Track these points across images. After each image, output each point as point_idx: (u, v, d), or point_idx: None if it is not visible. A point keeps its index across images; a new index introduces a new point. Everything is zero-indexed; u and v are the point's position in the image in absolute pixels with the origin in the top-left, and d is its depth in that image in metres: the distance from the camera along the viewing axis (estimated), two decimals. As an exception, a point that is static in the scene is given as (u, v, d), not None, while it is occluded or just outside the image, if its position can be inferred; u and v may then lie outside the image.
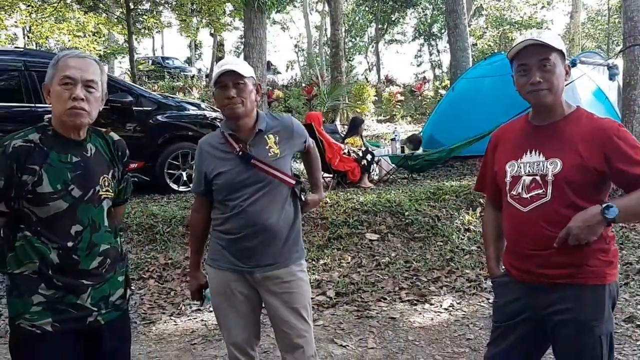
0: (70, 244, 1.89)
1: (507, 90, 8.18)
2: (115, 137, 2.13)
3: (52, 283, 1.87)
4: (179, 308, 4.47)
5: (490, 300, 4.46)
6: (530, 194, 1.96)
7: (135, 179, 6.91)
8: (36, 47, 19.94)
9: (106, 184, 2.00)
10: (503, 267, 2.17)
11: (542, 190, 1.94)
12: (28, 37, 21.27)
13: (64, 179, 1.88)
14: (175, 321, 4.27)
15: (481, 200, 6.22)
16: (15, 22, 17.87)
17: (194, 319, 4.30)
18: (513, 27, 29.20)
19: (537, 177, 1.96)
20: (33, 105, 6.35)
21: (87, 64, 1.91)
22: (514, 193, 2.01)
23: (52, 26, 16.29)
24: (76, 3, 16.64)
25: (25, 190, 1.83)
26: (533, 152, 1.99)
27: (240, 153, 2.31)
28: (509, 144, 2.09)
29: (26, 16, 16.24)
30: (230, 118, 2.35)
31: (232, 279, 2.38)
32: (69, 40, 17.22)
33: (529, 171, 1.98)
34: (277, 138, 2.40)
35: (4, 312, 4.30)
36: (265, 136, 2.38)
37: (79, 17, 16.37)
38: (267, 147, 2.36)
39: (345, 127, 10.54)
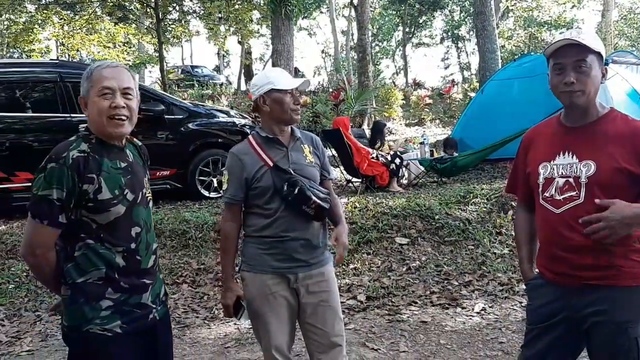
0: (133, 245, 1.96)
1: (538, 92, 8.15)
2: (139, 142, 2.19)
3: (118, 286, 1.93)
4: (212, 312, 4.54)
5: (523, 304, 4.43)
6: (563, 196, 1.96)
7: (168, 185, 7.05)
8: (68, 58, 20.46)
9: (147, 186, 2.09)
10: (536, 269, 2.16)
11: (575, 193, 1.93)
12: (60, 49, 21.84)
13: (119, 184, 1.94)
14: (208, 325, 4.33)
15: (512, 203, 6.16)
16: (48, 35, 18.38)
17: (227, 322, 4.35)
18: (542, 27, 28.80)
19: (571, 179, 1.95)
20: (68, 115, 6.52)
21: (121, 73, 1.96)
22: (547, 195, 2.01)
23: (83, 38, 16.70)
24: (106, 15, 17.02)
25: (85, 199, 1.87)
26: (566, 153, 1.98)
27: (274, 166, 2.40)
28: (542, 146, 2.08)
29: (58, 29, 16.69)
30: (288, 123, 2.49)
31: (273, 283, 2.43)
32: (100, 51, 17.63)
33: (562, 173, 1.97)
34: (310, 148, 2.54)
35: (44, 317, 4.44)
36: (302, 145, 2.52)
37: (109, 28, 16.74)
38: (304, 155, 2.50)
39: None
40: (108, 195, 1.89)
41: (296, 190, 2.34)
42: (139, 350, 2.00)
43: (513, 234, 5.72)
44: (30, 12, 16.63)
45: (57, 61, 8.46)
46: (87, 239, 1.90)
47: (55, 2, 17.38)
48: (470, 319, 4.30)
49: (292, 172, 2.39)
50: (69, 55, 21.09)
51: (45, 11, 16.00)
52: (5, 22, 18.75)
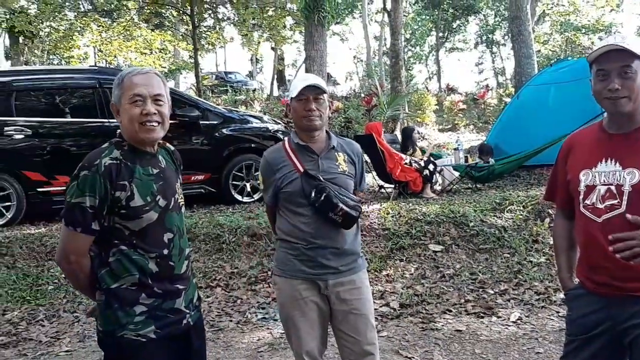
0: (165, 251, 1.97)
1: (575, 97, 8.01)
2: (172, 147, 2.21)
3: (152, 292, 1.94)
4: (245, 316, 4.57)
5: (561, 314, 4.34)
6: (604, 204, 1.91)
7: (202, 190, 7.14)
8: (105, 64, 20.94)
9: (179, 191, 2.10)
10: (576, 279, 2.11)
11: (616, 201, 1.88)
12: (98, 55, 22.37)
13: (151, 190, 1.95)
14: (242, 329, 4.36)
15: (550, 210, 6.05)
16: (87, 42, 18.86)
17: (261, 327, 4.38)
18: (579, 32, 28.22)
19: (612, 187, 1.90)
20: (106, 120, 6.67)
21: (152, 79, 1.97)
22: (588, 203, 1.96)
23: (120, 44, 17.08)
24: (143, 22, 17.38)
25: (118, 206, 1.88)
26: (609, 161, 1.93)
27: (304, 172, 2.41)
28: (583, 152, 2.04)
29: (97, 36, 17.11)
30: (307, 130, 2.47)
31: (303, 287, 2.44)
32: (136, 58, 18.00)
33: (603, 180, 1.93)
34: (345, 157, 2.53)
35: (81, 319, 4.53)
36: (336, 153, 2.51)
37: (146, 35, 17.08)
38: (337, 163, 2.48)
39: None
40: (140, 202, 1.90)
41: (322, 197, 2.34)
42: (172, 356, 2.01)
43: (550, 242, 5.61)
44: (70, 19, 17.10)
45: (95, 68, 8.67)
46: (121, 245, 1.92)
47: (94, 10, 17.87)
48: (506, 328, 4.22)
49: (322, 179, 2.39)
50: (106, 61, 21.59)
51: (84, 18, 16.44)
52: (46, 30, 19.31)
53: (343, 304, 2.45)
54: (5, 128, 6.34)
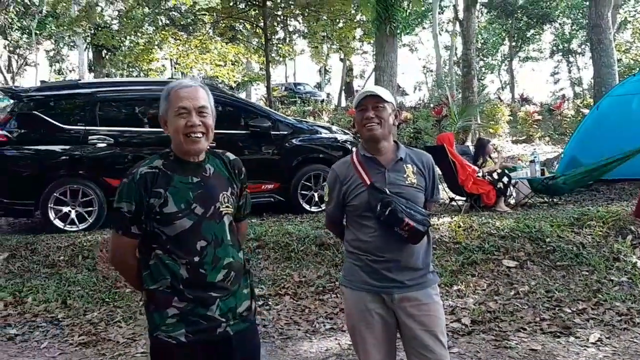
0: (196, 258, 2.02)
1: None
2: (232, 156, 2.25)
3: (183, 296, 2.01)
4: (313, 325, 4.57)
5: (646, 337, 4.09)
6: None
7: (272, 199, 7.25)
8: (182, 76, 21.73)
9: (226, 200, 2.12)
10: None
11: None
12: (175, 67, 23.27)
13: (187, 198, 2.02)
14: (310, 338, 4.37)
15: (632, 227, 5.74)
16: (165, 54, 19.66)
17: (328, 337, 4.37)
18: (664, 39, 26.75)
19: None
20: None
21: (197, 92, 2.06)
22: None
23: (196, 57, 17.68)
24: (218, 35, 17.93)
25: (153, 212, 2.00)
26: None
27: (370, 185, 2.38)
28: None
29: (174, 49, 17.80)
30: (369, 139, 2.44)
31: (369, 300, 2.40)
32: (211, 69, 18.58)
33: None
34: (414, 168, 2.47)
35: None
36: (405, 165, 2.45)
37: (220, 48, 17.60)
38: (405, 175, 2.43)
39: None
40: (173, 209, 2.00)
41: (388, 211, 2.30)
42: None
43: (632, 260, 5.32)
44: (149, 33, 17.89)
45: (173, 79, 9.00)
46: (157, 249, 2.03)
47: (172, 24, 18.61)
48: (585, 349, 4.01)
49: (388, 192, 2.36)
50: (183, 73, 22.42)
51: (163, 32, 17.14)
52: (127, 43, 20.30)
53: (410, 320, 2.39)
54: (90, 137, 6.69)
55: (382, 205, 2.32)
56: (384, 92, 2.42)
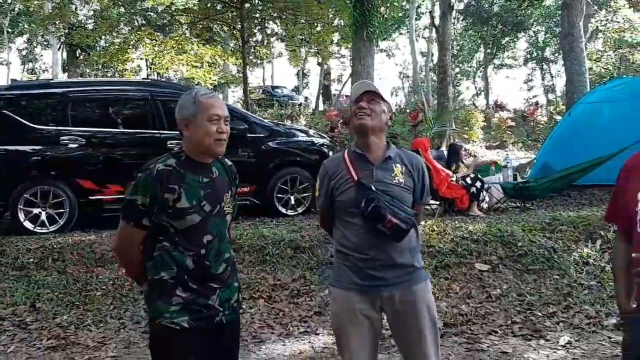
0: (203, 251, 2.19)
1: (629, 116, 7.76)
2: (229, 162, 2.45)
3: (187, 286, 2.17)
4: (287, 328, 4.56)
5: (613, 339, 4.18)
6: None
7: (247, 202, 7.21)
8: (157, 77, 21.53)
9: (228, 200, 2.32)
10: (634, 303, 2.02)
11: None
12: (151, 68, 23.04)
13: (198, 196, 2.19)
14: (283, 341, 4.36)
15: (601, 232, 5.85)
16: (140, 55, 19.44)
17: (302, 340, 4.36)
18: (634, 49, 27.33)
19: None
20: (157, 131, 6.83)
21: (223, 103, 2.29)
22: (646, 225, 1.88)
23: (172, 58, 17.51)
24: (195, 36, 17.80)
25: (166, 206, 2.13)
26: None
27: (357, 181, 2.39)
28: (642, 173, 1.96)
29: (150, 49, 17.61)
30: (358, 130, 2.45)
31: (356, 300, 2.40)
32: (187, 71, 18.43)
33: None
34: (403, 168, 2.47)
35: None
36: (393, 164, 2.46)
37: (197, 49, 17.47)
38: (392, 174, 2.43)
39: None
40: (186, 204, 2.15)
41: (371, 207, 2.31)
42: (204, 347, 2.22)
43: (602, 264, 5.43)
44: (125, 34, 17.67)
45: (148, 80, 8.92)
46: (165, 241, 2.18)
47: (147, 25, 18.41)
48: (555, 352, 4.08)
49: (374, 188, 2.36)
50: (158, 74, 22.19)
51: (138, 33, 16.94)
52: (102, 43, 20.03)
53: (397, 318, 2.41)
54: (61, 137, 6.58)
55: (366, 201, 2.33)
56: (380, 89, 2.48)
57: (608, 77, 19.23)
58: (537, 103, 26.94)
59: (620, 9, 26.61)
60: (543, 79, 38.27)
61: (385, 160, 2.45)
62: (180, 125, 2.25)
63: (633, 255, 1.79)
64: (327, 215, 2.58)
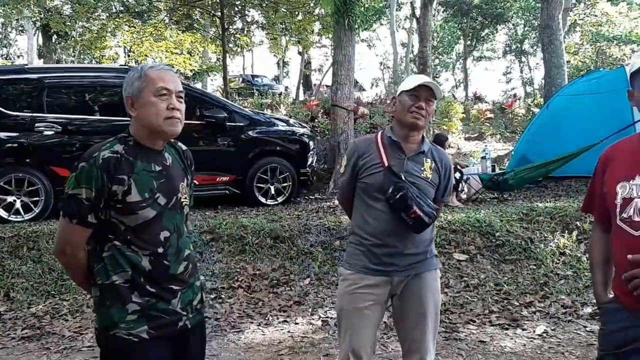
0: (160, 249, 1.92)
1: (606, 108, 7.83)
2: (184, 147, 2.16)
3: (144, 290, 1.89)
4: (266, 318, 4.55)
5: (588, 329, 4.25)
6: (642, 217, 1.85)
7: (227, 191, 7.16)
8: (136, 64, 21.20)
9: (184, 191, 2.05)
10: (611, 293, 2.04)
11: (655, 214, 1.82)
12: (129, 55, 22.68)
13: (151, 187, 1.90)
14: (262, 331, 4.35)
15: (578, 223, 5.94)
16: (118, 42, 19.12)
17: (281, 329, 4.36)
18: (611, 42, 27.71)
19: (651, 200, 1.84)
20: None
21: (174, 76, 1.96)
22: (625, 216, 1.90)
23: (151, 45, 17.27)
24: (174, 23, 17.56)
25: (114, 200, 1.84)
26: (648, 173, 1.87)
27: (387, 167, 2.42)
28: (620, 164, 1.97)
29: (128, 36, 17.34)
30: (409, 126, 2.47)
31: (366, 283, 2.43)
32: (166, 58, 18.19)
33: (642, 193, 1.86)
34: (433, 165, 2.51)
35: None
36: (425, 159, 2.49)
37: (176, 36, 17.25)
38: (422, 168, 2.47)
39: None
40: (137, 198, 1.86)
41: (399, 195, 2.34)
42: (166, 357, 1.96)
43: (578, 255, 5.51)
44: (103, 20, 17.37)
45: (126, 67, 8.77)
46: (115, 240, 1.88)
47: (126, 11, 18.11)
48: (532, 341, 4.14)
49: (404, 178, 2.39)
50: (136, 61, 21.85)
51: (116, 19, 16.66)
52: (79, 30, 19.62)
53: (402, 301, 2.46)
54: (36, 124, 6.45)
55: (394, 188, 2.36)
56: (438, 89, 2.48)
57: (585, 70, 19.48)
58: (515, 95, 27.28)
59: (597, 2, 26.93)
60: (521, 71, 38.65)
61: (418, 154, 2.49)
62: (126, 105, 1.93)
63: (629, 257, 1.82)
64: (348, 192, 2.58)
